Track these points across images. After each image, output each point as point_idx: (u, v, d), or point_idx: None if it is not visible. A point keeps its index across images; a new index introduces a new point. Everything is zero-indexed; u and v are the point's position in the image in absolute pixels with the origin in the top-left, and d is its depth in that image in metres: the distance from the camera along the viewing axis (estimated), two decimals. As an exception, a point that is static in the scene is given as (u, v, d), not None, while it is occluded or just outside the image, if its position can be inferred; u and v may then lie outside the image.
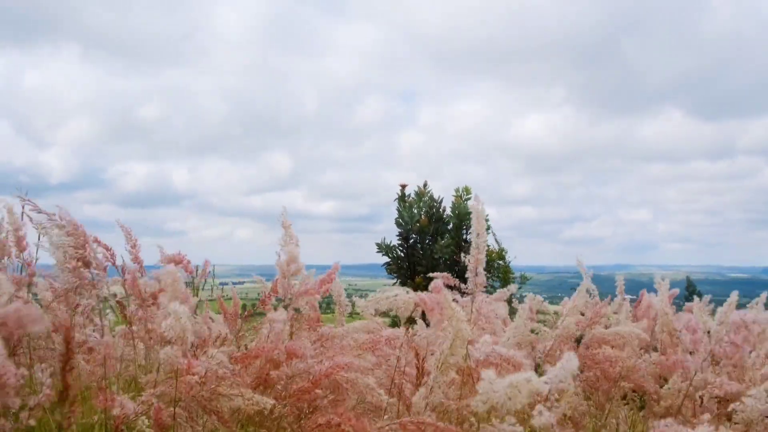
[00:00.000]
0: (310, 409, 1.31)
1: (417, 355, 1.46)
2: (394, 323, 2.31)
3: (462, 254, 5.57)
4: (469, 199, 6.16)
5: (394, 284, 5.88)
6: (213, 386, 1.21)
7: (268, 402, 1.22)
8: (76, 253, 1.38)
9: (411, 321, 1.68)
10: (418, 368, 1.44)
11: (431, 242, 5.92)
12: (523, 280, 5.95)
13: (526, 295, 1.82)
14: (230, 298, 2.07)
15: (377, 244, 6.16)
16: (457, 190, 6.20)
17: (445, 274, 1.64)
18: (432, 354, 1.37)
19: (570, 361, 0.99)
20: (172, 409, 1.21)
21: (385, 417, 1.38)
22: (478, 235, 1.63)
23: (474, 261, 1.66)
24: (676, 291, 1.92)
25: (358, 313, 1.85)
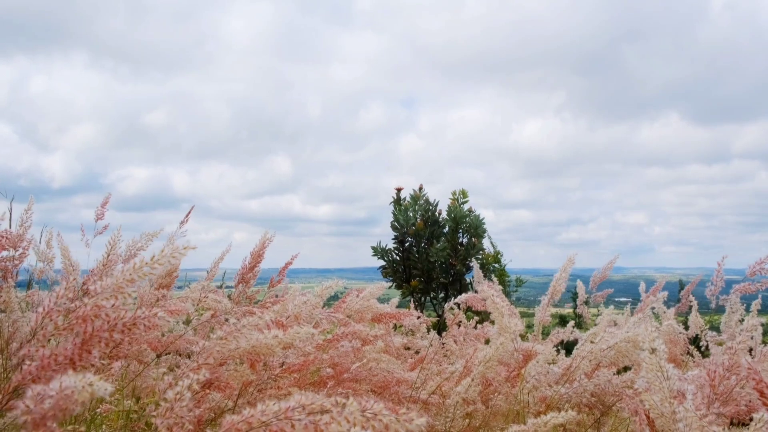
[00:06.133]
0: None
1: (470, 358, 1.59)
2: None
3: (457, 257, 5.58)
4: (465, 202, 6.18)
5: (389, 288, 5.88)
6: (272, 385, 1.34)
7: (317, 398, 1.30)
8: None
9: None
10: (466, 367, 1.57)
11: (427, 245, 5.93)
12: (519, 284, 5.96)
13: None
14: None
15: (373, 248, 6.16)
16: (453, 193, 6.20)
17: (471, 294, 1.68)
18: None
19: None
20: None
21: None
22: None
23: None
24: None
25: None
